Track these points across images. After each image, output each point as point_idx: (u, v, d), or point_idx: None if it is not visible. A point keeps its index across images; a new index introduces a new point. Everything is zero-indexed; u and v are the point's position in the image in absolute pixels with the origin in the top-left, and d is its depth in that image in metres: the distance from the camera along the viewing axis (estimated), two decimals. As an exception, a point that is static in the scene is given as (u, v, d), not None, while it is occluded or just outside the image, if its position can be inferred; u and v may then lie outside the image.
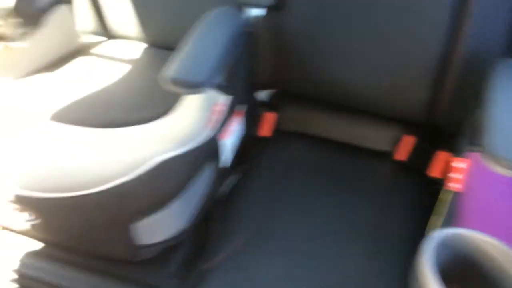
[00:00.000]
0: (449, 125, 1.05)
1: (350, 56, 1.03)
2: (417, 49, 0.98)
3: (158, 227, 0.86)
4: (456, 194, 0.82)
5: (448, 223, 0.79)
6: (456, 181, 0.83)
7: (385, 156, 1.11)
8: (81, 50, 1.18)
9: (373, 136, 1.12)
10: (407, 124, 1.10)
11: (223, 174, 1.00)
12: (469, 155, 0.84)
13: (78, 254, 0.93)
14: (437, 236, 0.69)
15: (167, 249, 0.91)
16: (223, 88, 0.94)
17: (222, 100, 0.93)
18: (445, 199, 0.86)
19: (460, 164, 0.85)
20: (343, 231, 0.96)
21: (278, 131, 1.16)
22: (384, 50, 1.00)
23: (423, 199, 1.05)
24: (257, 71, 1.10)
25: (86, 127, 0.89)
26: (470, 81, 0.98)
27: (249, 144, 1.10)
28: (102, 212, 0.82)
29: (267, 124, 1.14)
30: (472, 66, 0.97)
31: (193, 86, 0.79)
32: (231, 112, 0.98)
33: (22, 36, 1.05)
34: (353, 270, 0.89)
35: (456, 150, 0.94)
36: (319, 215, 0.99)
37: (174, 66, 0.81)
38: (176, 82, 0.78)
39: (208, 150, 0.91)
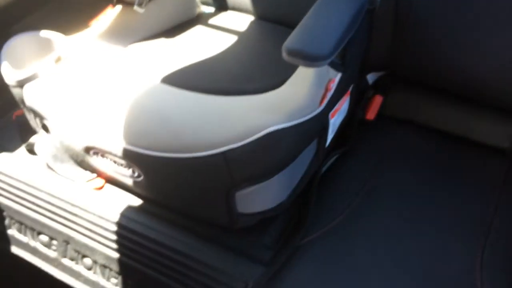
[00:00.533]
0: None
1: (483, 44, 0.96)
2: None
3: (260, 197, 0.86)
4: None
5: None
6: None
7: (503, 153, 1.03)
8: (196, 20, 1.19)
9: (491, 130, 1.05)
10: None
11: (325, 152, 0.98)
12: None
13: (177, 214, 0.95)
14: None
15: (264, 220, 0.90)
16: (339, 65, 0.91)
17: (337, 77, 0.91)
18: None
19: None
20: (450, 223, 0.91)
21: (383, 116, 1.11)
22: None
23: None
24: (373, 51, 1.05)
25: (197, 93, 0.90)
26: None
27: (352, 125, 1.07)
28: (208, 176, 0.83)
29: (373, 107, 1.10)
30: None
31: (315, 59, 0.77)
32: (343, 91, 0.95)
33: (141, 1, 1.08)
34: (457, 265, 0.85)
35: None
36: (423, 202, 0.95)
37: (296, 38, 0.79)
38: (298, 53, 0.77)
39: (318, 126, 0.89)
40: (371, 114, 1.09)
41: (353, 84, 1.01)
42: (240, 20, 1.18)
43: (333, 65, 0.89)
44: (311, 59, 0.77)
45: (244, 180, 0.82)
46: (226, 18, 1.20)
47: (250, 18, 1.19)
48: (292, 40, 0.79)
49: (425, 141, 1.07)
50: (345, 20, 0.83)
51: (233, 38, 1.10)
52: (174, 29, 1.15)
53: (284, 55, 0.77)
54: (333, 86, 0.90)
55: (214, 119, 0.84)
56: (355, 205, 0.95)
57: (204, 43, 1.09)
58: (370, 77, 1.14)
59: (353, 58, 0.95)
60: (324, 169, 1.01)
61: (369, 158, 1.04)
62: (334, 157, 1.04)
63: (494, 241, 0.88)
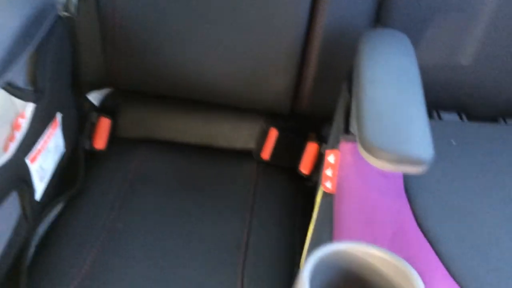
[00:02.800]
0: (318, 113, 0.93)
1: (197, 41, 0.86)
2: (275, 29, 0.84)
3: None
4: (328, 194, 0.69)
5: (320, 231, 0.66)
6: (327, 179, 0.70)
7: (251, 155, 0.95)
8: None
9: (234, 133, 0.96)
10: (271, 117, 0.96)
11: (39, 207, 0.77)
12: (339, 146, 0.71)
13: None
14: (311, 261, 0.54)
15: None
16: (29, 92, 0.70)
17: (28, 110, 0.70)
18: (318, 201, 0.73)
19: (330, 157, 0.72)
20: (209, 250, 0.79)
21: (117, 140, 0.94)
22: (238, 32, 0.85)
23: (299, 201, 0.91)
24: (83, 67, 0.87)
25: None
26: (335, 61, 0.86)
27: (77, 162, 0.87)
28: None
29: (101, 133, 0.92)
30: (335, 44, 0.85)
31: None
32: (44, 123, 0.75)
33: None
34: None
35: (327, 142, 0.82)
36: (177, 235, 0.81)
37: None
38: None
39: (10, 178, 0.67)
40: (99, 142, 0.91)
41: (63, 111, 0.81)
42: None
43: (19, 93, 0.68)
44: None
45: None
46: None
47: None
48: None
49: (169, 158, 0.94)
50: (10, 31, 0.63)
51: None
52: None
53: None
54: (23, 122, 0.69)
55: None
56: (95, 256, 0.76)
57: None
58: (95, 98, 0.95)
59: (51, 80, 0.75)
60: (44, 227, 0.79)
61: (107, 194, 0.85)
62: (59, 207, 0.83)
63: (252, 259, 0.78)
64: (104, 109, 0.94)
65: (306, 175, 0.93)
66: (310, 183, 0.92)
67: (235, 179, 0.91)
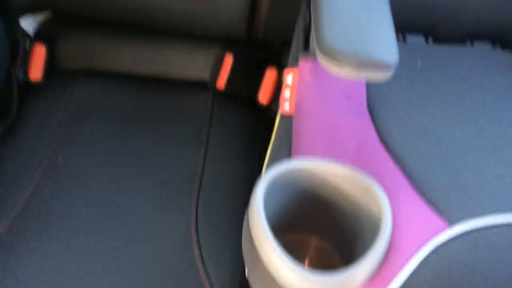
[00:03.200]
0: (276, 37, 0.86)
1: None
2: None
3: None
4: (286, 116, 0.63)
5: (277, 154, 0.61)
6: (285, 100, 0.64)
7: (206, 86, 0.88)
8: None
9: (187, 63, 0.88)
10: (227, 44, 0.88)
11: None
12: (298, 64, 0.65)
13: None
14: (266, 178, 0.49)
15: None
16: None
17: None
18: (276, 124, 0.68)
19: (288, 77, 0.66)
20: (163, 181, 0.73)
21: (57, 72, 0.85)
22: None
23: (259, 132, 0.86)
24: None
25: None
26: None
27: (11, 92, 0.78)
28: None
29: (37, 62, 0.82)
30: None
31: None
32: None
33: None
34: (172, 221, 0.68)
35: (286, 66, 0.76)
36: (126, 168, 0.74)
37: None
38: None
39: None
40: (35, 72, 0.82)
41: None
42: None
43: None
44: None
45: None
46: None
47: None
48: None
49: (115, 90, 0.85)
50: None
51: None
52: None
53: None
54: None
55: None
56: (30, 194, 0.68)
57: None
58: (29, 24, 0.85)
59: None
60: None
61: (45, 128, 0.77)
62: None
63: (207, 189, 0.73)
64: (40, 36, 0.85)
65: (266, 105, 0.87)
66: (271, 114, 0.86)
67: (189, 111, 0.84)
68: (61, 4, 0.82)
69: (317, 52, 0.51)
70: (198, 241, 0.66)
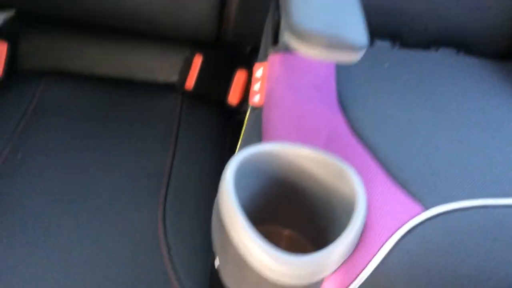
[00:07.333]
0: (245, 40, 0.86)
1: None
2: None
3: None
4: (256, 108, 0.62)
5: (247, 144, 0.59)
6: (255, 93, 0.63)
7: (175, 87, 0.87)
8: None
9: (156, 65, 0.87)
10: (197, 45, 0.87)
11: None
12: (268, 58, 0.64)
13: None
14: (235, 160, 0.47)
15: None
16: None
17: None
18: (246, 118, 0.66)
19: (258, 72, 0.65)
20: (129, 180, 0.70)
21: (18, 71, 0.82)
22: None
23: (228, 133, 0.84)
24: None
25: None
26: None
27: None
28: None
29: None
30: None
31: None
32: None
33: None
34: (139, 219, 0.65)
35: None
36: (90, 166, 0.71)
37: None
38: None
39: None
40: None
41: None
42: None
43: None
44: None
45: None
46: None
47: None
48: None
49: (80, 91, 0.83)
50: None
51: None
52: None
53: None
54: None
55: None
56: None
57: None
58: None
59: None
60: None
61: (3, 127, 0.73)
62: None
63: (174, 187, 0.70)
64: (2, 34, 0.82)
65: (236, 106, 0.85)
66: (241, 116, 0.85)
67: (157, 111, 0.82)
68: (25, 3, 0.80)
69: (288, 35, 0.50)
70: (165, 237, 0.64)
